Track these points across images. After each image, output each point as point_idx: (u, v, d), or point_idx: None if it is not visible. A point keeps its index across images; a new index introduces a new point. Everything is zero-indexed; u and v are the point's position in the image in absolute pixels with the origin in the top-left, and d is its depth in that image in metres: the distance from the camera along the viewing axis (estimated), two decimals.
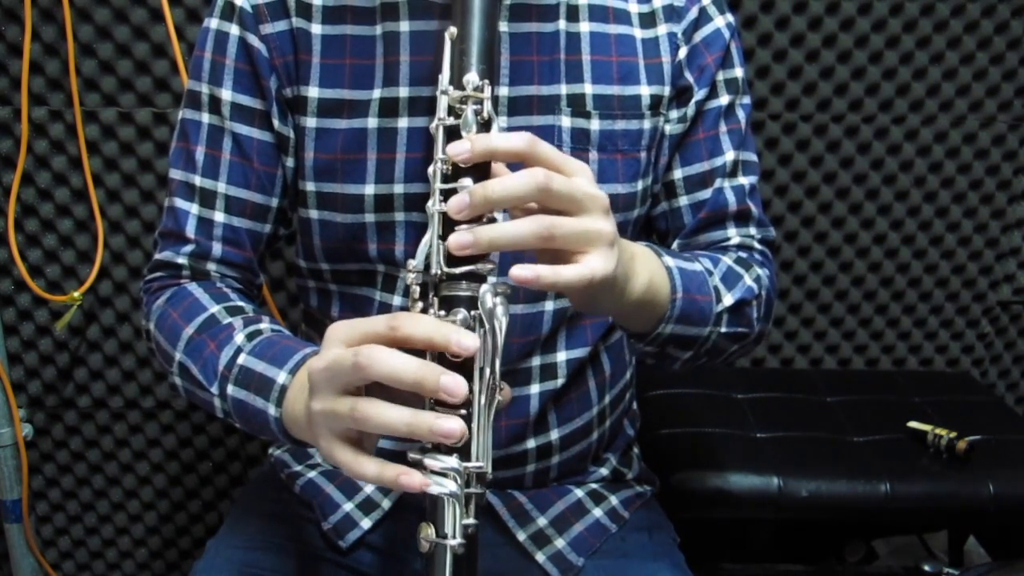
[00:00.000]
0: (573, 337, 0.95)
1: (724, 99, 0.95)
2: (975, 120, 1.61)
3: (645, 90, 0.91)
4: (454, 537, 0.65)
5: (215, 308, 0.87)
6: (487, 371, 0.65)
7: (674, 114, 0.94)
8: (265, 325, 0.85)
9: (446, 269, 0.67)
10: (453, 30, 0.71)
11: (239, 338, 0.82)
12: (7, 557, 1.70)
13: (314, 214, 0.91)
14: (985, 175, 1.64)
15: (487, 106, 0.69)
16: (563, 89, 0.89)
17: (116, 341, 1.63)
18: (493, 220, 0.67)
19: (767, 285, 0.94)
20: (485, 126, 0.69)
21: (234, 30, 0.89)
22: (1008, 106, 1.60)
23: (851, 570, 1.43)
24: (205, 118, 0.91)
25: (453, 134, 0.68)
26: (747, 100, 0.97)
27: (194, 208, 0.92)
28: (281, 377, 0.76)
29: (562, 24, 0.89)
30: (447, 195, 0.66)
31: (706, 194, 0.96)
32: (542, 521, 0.97)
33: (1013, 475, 1.25)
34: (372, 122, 0.88)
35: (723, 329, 0.88)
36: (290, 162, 0.92)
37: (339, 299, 0.96)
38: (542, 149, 0.67)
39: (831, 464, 1.26)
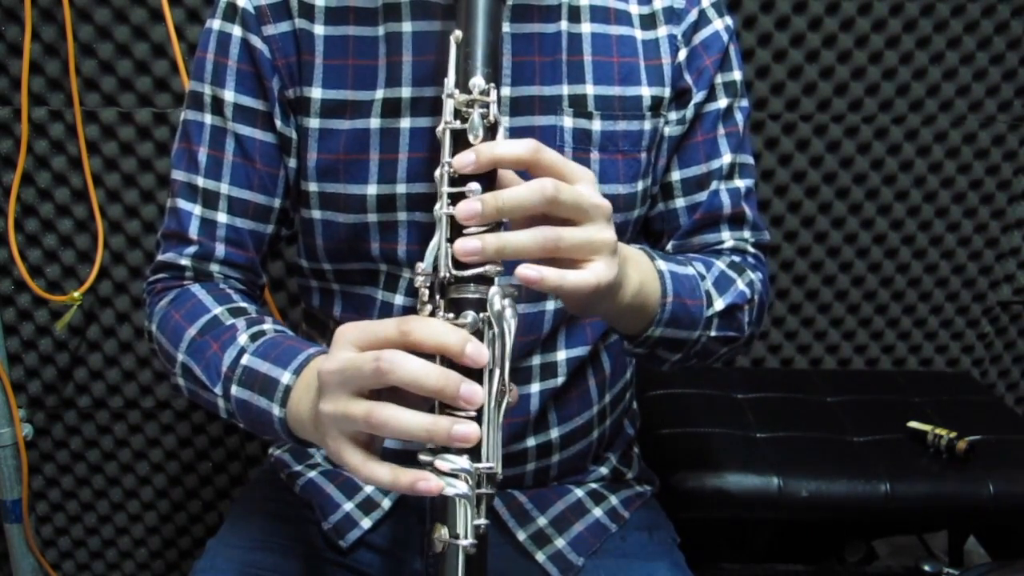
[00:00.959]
0: (573, 336, 0.95)
1: (722, 102, 0.95)
2: (975, 120, 1.61)
3: (646, 91, 0.91)
4: (466, 537, 0.66)
5: (218, 310, 0.87)
6: (496, 373, 0.66)
7: (673, 116, 0.94)
8: (268, 326, 0.85)
9: (454, 272, 0.67)
10: (458, 34, 0.71)
11: (242, 339, 0.83)
12: (7, 557, 1.70)
13: (316, 214, 0.91)
14: (985, 175, 1.64)
15: (493, 109, 0.69)
16: (565, 90, 0.89)
17: (116, 341, 1.63)
18: (500, 223, 0.67)
19: (759, 289, 0.95)
20: (491, 129, 0.69)
21: (236, 31, 0.89)
22: (1008, 106, 1.60)
23: (851, 570, 1.43)
24: (207, 119, 0.91)
25: (460, 138, 0.68)
26: (745, 103, 0.98)
27: (197, 209, 0.92)
28: (285, 377, 0.76)
29: (564, 25, 0.89)
30: (454, 198, 0.67)
31: (702, 196, 0.96)
32: (542, 521, 0.97)
33: (1013, 475, 1.25)
34: (375, 122, 0.88)
35: (713, 333, 0.89)
36: (292, 163, 0.92)
37: (341, 298, 0.96)
38: (546, 156, 0.67)
39: (831, 464, 1.27)
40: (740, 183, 0.97)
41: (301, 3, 0.88)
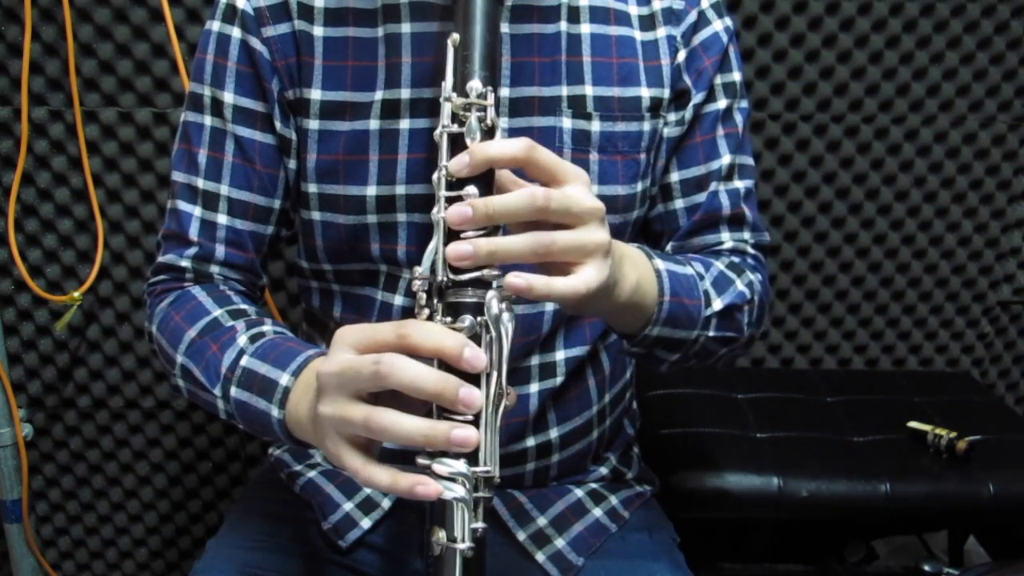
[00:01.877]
0: (571, 336, 0.95)
1: (722, 103, 0.95)
2: (975, 120, 1.61)
3: (645, 92, 0.91)
4: (464, 541, 0.66)
5: (218, 311, 0.87)
6: (494, 377, 0.66)
7: (672, 117, 0.94)
8: (268, 327, 0.85)
9: (451, 276, 0.67)
10: (455, 36, 0.71)
11: (242, 340, 0.83)
12: (7, 557, 1.70)
13: (316, 215, 0.91)
14: (985, 175, 1.64)
15: (491, 112, 0.69)
16: (564, 90, 0.89)
17: (116, 341, 1.63)
18: (497, 227, 0.67)
19: (759, 290, 0.95)
20: (489, 133, 0.69)
21: (236, 33, 0.89)
22: (1008, 106, 1.60)
23: (851, 570, 1.43)
24: (207, 120, 0.91)
25: (457, 141, 0.69)
26: (745, 104, 0.98)
27: (197, 210, 0.92)
28: (284, 379, 0.77)
29: (563, 25, 0.89)
30: (452, 202, 0.67)
31: (701, 197, 0.96)
32: (542, 521, 0.97)
33: (1013, 475, 1.25)
34: (374, 124, 0.88)
35: (712, 333, 0.89)
36: (292, 164, 0.92)
37: (341, 299, 0.96)
38: (541, 155, 0.67)
39: (831, 464, 1.26)
40: (739, 184, 0.97)
41: (300, 4, 0.88)
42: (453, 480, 0.65)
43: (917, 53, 1.56)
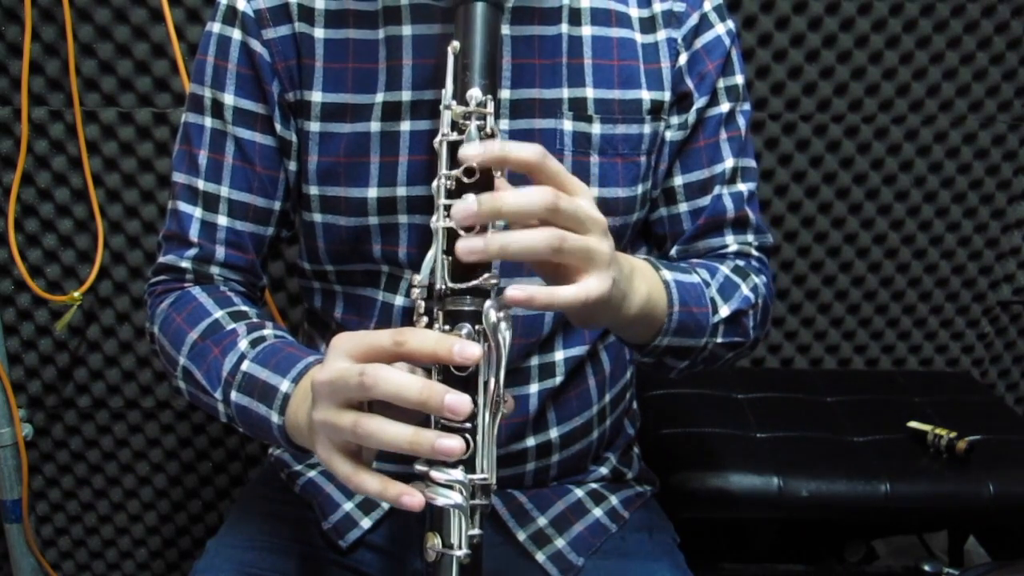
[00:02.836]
0: (571, 336, 0.95)
1: (725, 106, 0.95)
2: (975, 120, 1.61)
3: (646, 95, 0.91)
4: (460, 548, 0.66)
5: (219, 313, 0.87)
6: (491, 384, 0.66)
7: (675, 120, 0.94)
8: (269, 331, 0.85)
9: (450, 284, 0.67)
10: (456, 44, 0.71)
11: (243, 344, 0.83)
12: (7, 557, 1.70)
13: (318, 217, 0.91)
14: (985, 175, 1.64)
15: (490, 121, 0.69)
16: (565, 93, 0.89)
17: (116, 341, 1.63)
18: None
19: (764, 293, 0.95)
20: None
21: (236, 34, 0.89)
22: (1008, 106, 1.60)
23: (851, 570, 1.44)
24: (207, 122, 0.91)
25: (456, 150, 0.68)
26: (747, 107, 0.98)
27: (197, 212, 0.92)
28: (284, 385, 0.77)
29: (564, 28, 0.89)
30: (451, 210, 0.66)
31: (705, 201, 0.96)
32: (542, 521, 0.97)
33: (1013, 475, 1.25)
34: (375, 126, 0.88)
35: (720, 339, 0.89)
36: (292, 166, 0.92)
37: (343, 300, 0.97)
38: (551, 164, 0.67)
39: (831, 464, 1.26)
40: (743, 187, 0.97)
41: (301, 7, 0.88)
42: (450, 487, 0.65)
43: (917, 53, 1.56)
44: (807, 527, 1.44)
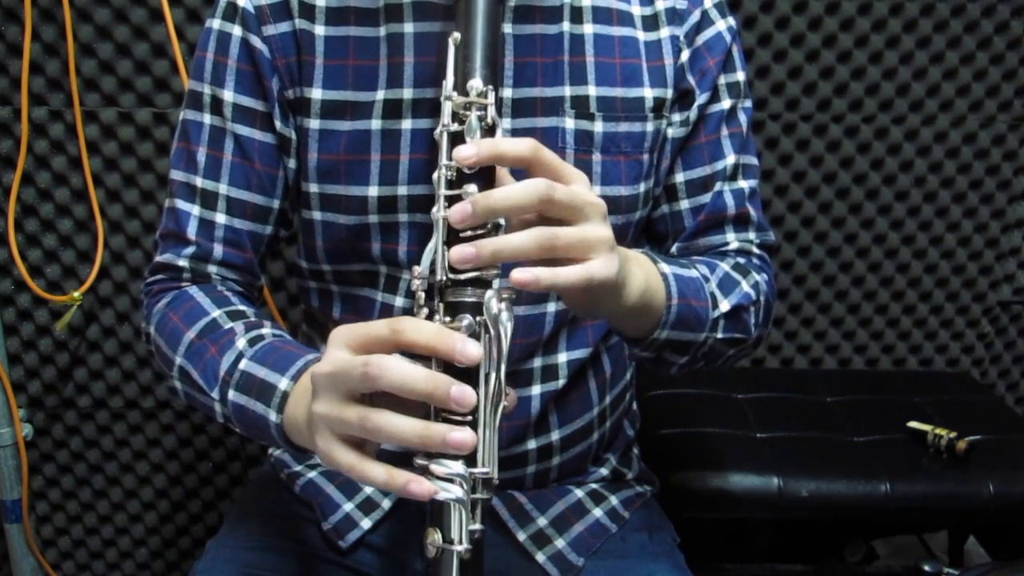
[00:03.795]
0: (574, 338, 0.95)
1: (726, 103, 0.95)
2: (975, 120, 1.61)
3: (648, 92, 0.91)
4: (461, 543, 0.65)
5: (216, 312, 0.87)
6: (492, 377, 0.65)
7: (676, 117, 0.94)
8: (267, 330, 0.85)
9: (451, 275, 0.67)
10: (457, 35, 0.71)
11: (240, 343, 0.82)
12: (7, 557, 1.70)
13: (317, 215, 0.91)
14: (985, 175, 1.64)
15: (491, 111, 0.69)
16: (567, 91, 0.89)
17: (116, 341, 1.63)
18: (498, 227, 0.67)
19: (765, 291, 0.94)
20: (489, 132, 0.69)
21: (236, 31, 0.89)
22: (1008, 106, 1.60)
23: (851, 570, 1.44)
24: (207, 119, 0.91)
25: (457, 140, 0.68)
26: (748, 104, 0.97)
27: (195, 209, 0.91)
28: (283, 383, 0.76)
29: (566, 26, 0.89)
30: (452, 201, 0.67)
31: (706, 198, 0.96)
32: (542, 521, 0.97)
33: (1013, 475, 1.25)
34: (376, 124, 0.88)
35: (719, 335, 0.89)
36: (292, 163, 0.92)
37: (340, 300, 0.96)
38: (545, 155, 0.67)
39: (831, 464, 1.26)
40: (744, 184, 0.97)
41: (302, 3, 0.87)
42: (451, 481, 0.64)
43: (917, 53, 1.56)
44: (807, 527, 1.44)
